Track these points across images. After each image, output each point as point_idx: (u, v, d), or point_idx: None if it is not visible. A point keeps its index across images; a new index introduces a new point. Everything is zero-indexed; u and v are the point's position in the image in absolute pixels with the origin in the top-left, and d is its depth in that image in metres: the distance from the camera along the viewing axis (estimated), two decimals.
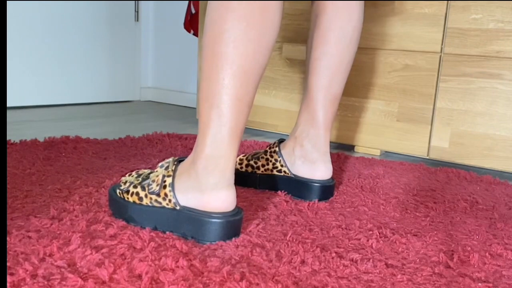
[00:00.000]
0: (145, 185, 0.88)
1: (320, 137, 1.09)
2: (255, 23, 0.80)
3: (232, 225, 0.83)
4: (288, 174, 1.11)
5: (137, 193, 0.88)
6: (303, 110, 1.12)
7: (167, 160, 0.89)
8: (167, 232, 0.84)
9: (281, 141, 1.15)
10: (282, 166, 1.11)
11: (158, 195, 0.85)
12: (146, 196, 0.87)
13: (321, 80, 1.08)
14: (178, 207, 0.84)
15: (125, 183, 0.91)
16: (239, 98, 0.81)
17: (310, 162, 1.09)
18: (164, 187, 0.85)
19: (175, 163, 0.88)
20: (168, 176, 0.86)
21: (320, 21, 1.08)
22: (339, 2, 1.06)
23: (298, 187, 1.10)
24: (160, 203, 0.85)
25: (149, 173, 0.93)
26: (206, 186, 0.82)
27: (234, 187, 0.85)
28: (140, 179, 0.91)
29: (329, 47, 1.07)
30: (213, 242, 0.82)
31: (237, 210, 0.85)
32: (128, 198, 0.89)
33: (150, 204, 0.86)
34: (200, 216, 0.82)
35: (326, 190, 1.09)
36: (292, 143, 1.12)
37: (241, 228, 0.86)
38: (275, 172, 1.12)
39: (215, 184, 0.82)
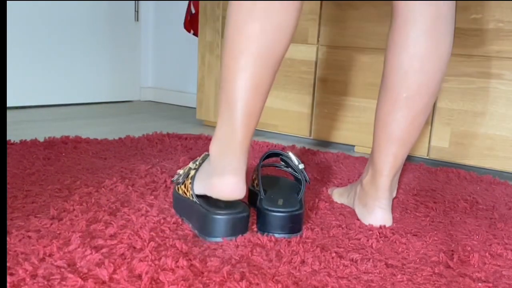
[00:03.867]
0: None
1: (376, 182, 0.97)
2: (271, 22, 0.79)
3: (237, 222, 0.83)
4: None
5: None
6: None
7: (202, 156, 0.93)
8: (168, 232, 0.84)
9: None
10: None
11: (184, 185, 0.91)
12: (179, 187, 0.93)
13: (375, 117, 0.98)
14: (194, 199, 0.87)
15: (178, 175, 0.96)
16: (254, 86, 0.81)
17: (364, 206, 0.98)
18: (187, 178, 0.90)
19: (205, 158, 0.91)
20: (194, 169, 0.90)
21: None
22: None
23: None
24: (185, 193, 0.90)
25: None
26: (214, 170, 0.84)
27: (242, 176, 0.83)
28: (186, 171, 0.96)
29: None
30: (218, 239, 0.82)
31: (243, 207, 0.85)
32: (177, 189, 0.95)
33: (181, 194, 0.92)
34: (206, 212, 0.83)
35: None
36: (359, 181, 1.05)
37: (248, 226, 0.86)
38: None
39: (222, 168, 0.83)
